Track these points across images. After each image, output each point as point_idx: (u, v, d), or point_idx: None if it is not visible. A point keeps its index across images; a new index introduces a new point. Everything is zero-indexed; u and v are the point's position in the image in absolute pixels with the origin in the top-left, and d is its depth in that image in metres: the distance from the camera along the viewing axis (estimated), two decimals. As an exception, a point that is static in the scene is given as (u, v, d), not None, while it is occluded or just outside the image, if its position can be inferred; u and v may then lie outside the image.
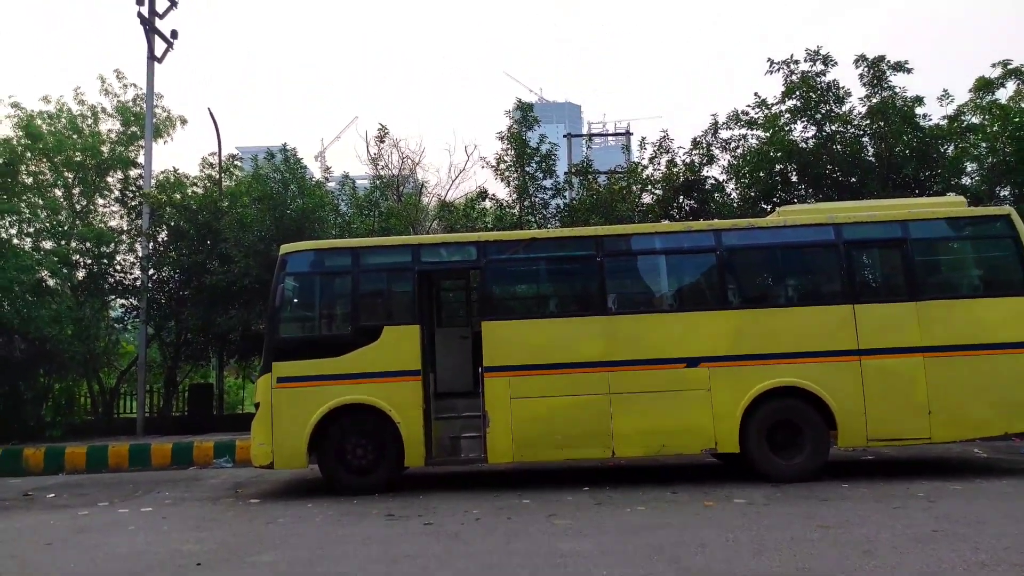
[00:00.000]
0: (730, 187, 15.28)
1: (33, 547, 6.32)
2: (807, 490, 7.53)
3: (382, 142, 16.97)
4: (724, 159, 15.33)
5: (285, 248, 8.90)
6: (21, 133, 17.16)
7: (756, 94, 15.22)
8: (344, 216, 15.75)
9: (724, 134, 15.35)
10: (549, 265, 8.94)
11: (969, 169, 14.45)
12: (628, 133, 21.34)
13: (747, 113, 15.27)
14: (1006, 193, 14.12)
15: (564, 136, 20.57)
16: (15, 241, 15.87)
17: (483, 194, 15.33)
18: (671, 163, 14.86)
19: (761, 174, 14.68)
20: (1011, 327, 8.08)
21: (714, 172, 15.19)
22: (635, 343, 8.19)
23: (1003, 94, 14.54)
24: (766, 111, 15.09)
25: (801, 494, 7.32)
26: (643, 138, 15.21)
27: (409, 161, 18.32)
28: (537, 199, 15.13)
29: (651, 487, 8.08)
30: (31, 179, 17.42)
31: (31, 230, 16.61)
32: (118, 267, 15.89)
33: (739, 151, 15.28)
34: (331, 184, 16.68)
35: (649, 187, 14.76)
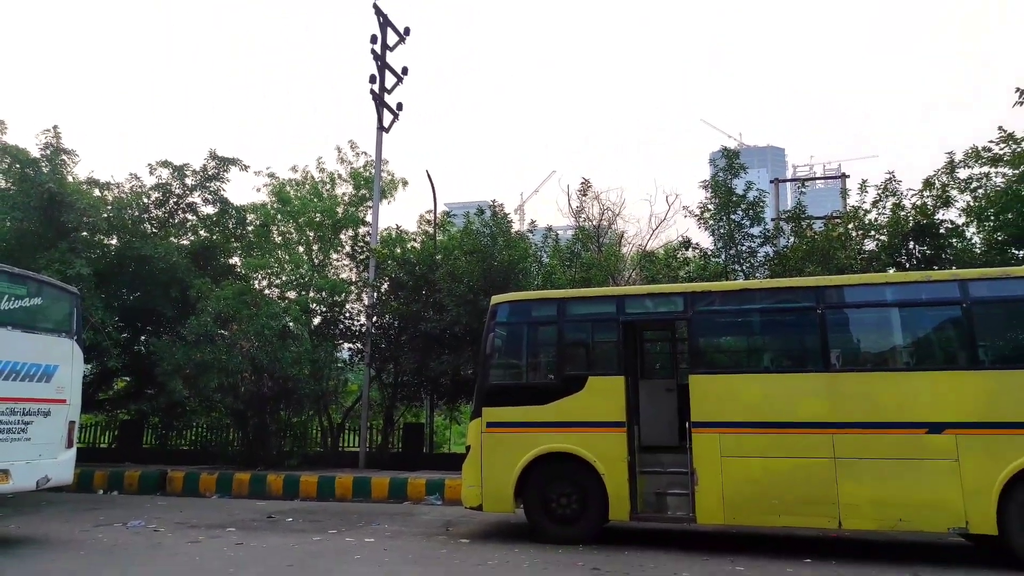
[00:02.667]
0: (971, 231, 13.62)
1: (277, 567, 7.01)
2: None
3: (584, 195, 17.36)
4: (962, 200, 13.74)
5: (496, 299, 9.30)
6: (274, 199, 19.92)
7: (1001, 128, 13.54)
8: (546, 267, 16.20)
9: (962, 173, 13.78)
10: (763, 317, 8.46)
11: None
12: (843, 175, 19.90)
13: (989, 149, 13.61)
14: None
15: (771, 181, 19.65)
16: (266, 292, 18.24)
17: (686, 243, 15.01)
18: (898, 206, 13.57)
19: (1010, 215, 12.94)
20: None
21: (950, 215, 13.65)
22: (864, 403, 7.45)
23: None
24: (1014, 146, 13.35)
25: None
26: (863, 180, 14.07)
27: (609, 212, 18.48)
28: (744, 247, 14.52)
29: (885, 566, 7.19)
30: (280, 238, 20.08)
31: (278, 282, 19.02)
32: (347, 314, 17.58)
33: (981, 191, 13.62)
34: (534, 236, 17.27)
35: (873, 233, 13.56)
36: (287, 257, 19.53)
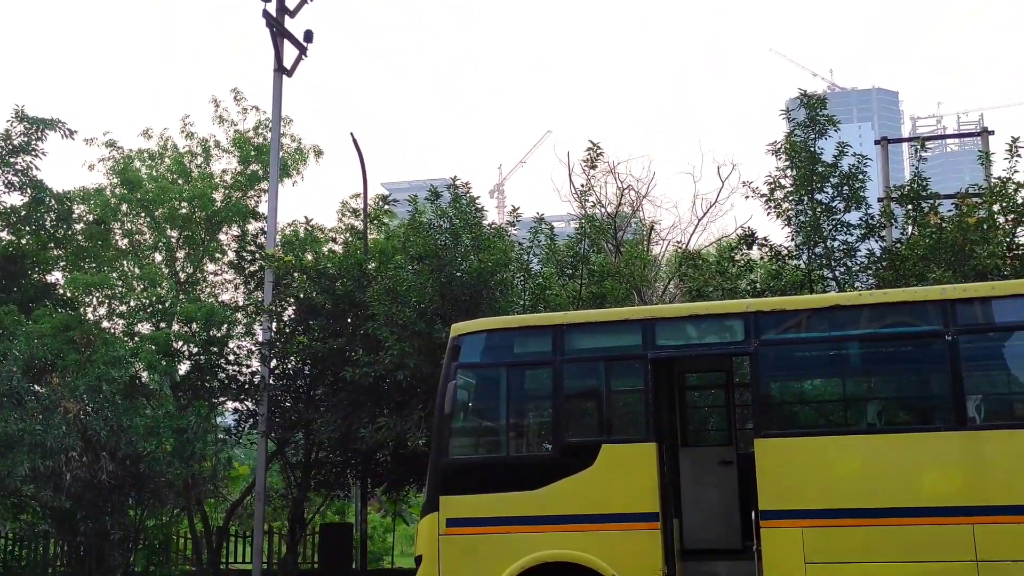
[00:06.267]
0: None
1: None
2: None
3: (593, 167, 17.43)
4: None
5: (459, 327, 9.33)
6: (117, 180, 19.85)
7: None
8: (538, 277, 16.25)
9: None
10: (865, 348, 8.60)
11: None
12: (985, 131, 20.16)
13: None
14: None
15: (876, 142, 19.89)
16: (104, 324, 18.15)
17: (749, 237, 15.15)
18: (1067, 176, 13.81)
19: None
20: None
21: None
22: (1022, 477, 7.54)
23: None
24: None
25: None
26: (1014, 138, 14.28)
27: (632, 193, 18.62)
28: (837, 243, 14.68)
29: None
30: (126, 241, 20.03)
31: (124, 309, 18.95)
32: (230, 357, 17.52)
33: None
34: (518, 232, 17.31)
35: (1032, 216, 13.77)
36: (137, 270, 19.48)
